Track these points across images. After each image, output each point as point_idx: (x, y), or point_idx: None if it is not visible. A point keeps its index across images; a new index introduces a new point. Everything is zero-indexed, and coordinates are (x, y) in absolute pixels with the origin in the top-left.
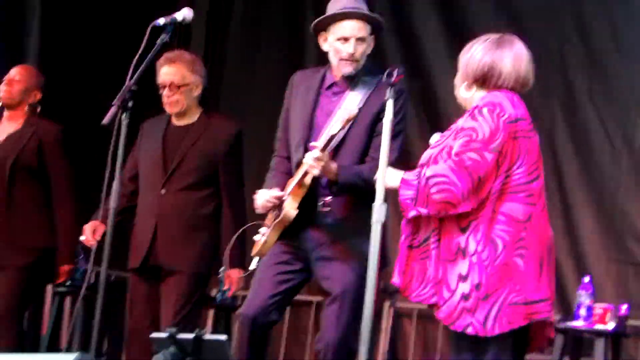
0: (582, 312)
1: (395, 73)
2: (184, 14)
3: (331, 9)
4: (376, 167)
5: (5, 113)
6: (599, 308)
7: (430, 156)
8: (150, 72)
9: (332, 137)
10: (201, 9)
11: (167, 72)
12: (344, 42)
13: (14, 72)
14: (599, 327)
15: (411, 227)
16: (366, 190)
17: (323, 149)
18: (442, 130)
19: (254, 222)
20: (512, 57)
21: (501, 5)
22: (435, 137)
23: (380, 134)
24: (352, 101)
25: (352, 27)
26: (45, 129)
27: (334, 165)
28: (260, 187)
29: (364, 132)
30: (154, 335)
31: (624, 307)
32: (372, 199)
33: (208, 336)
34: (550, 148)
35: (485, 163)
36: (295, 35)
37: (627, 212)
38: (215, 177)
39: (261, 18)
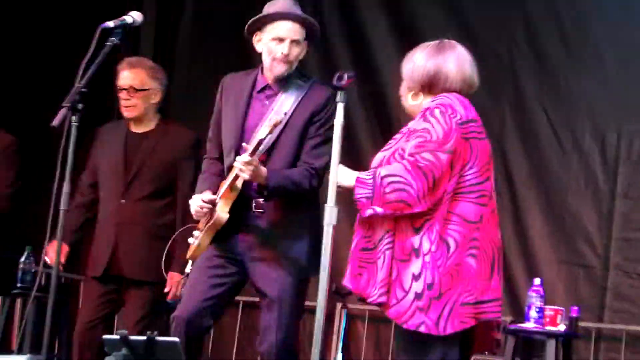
0: (533, 313)
1: (345, 76)
2: (134, 16)
3: (267, 10)
4: (306, 170)
5: None
6: (549, 310)
7: (382, 159)
8: (100, 77)
9: (261, 141)
10: (150, 12)
11: (127, 76)
12: (279, 42)
13: None
14: (550, 328)
15: (364, 230)
16: (297, 194)
17: (252, 154)
18: (392, 133)
19: (189, 225)
20: (456, 59)
21: (450, 10)
22: None
23: (312, 137)
24: (284, 105)
25: (288, 29)
26: None
27: (263, 170)
28: None
29: (296, 136)
30: (106, 336)
31: (575, 309)
32: (305, 203)
33: (160, 338)
34: (501, 151)
35: (440, 163)
36: (244, 37)
37: (577, 215)
38: (174, 185)
39: (210, 20)
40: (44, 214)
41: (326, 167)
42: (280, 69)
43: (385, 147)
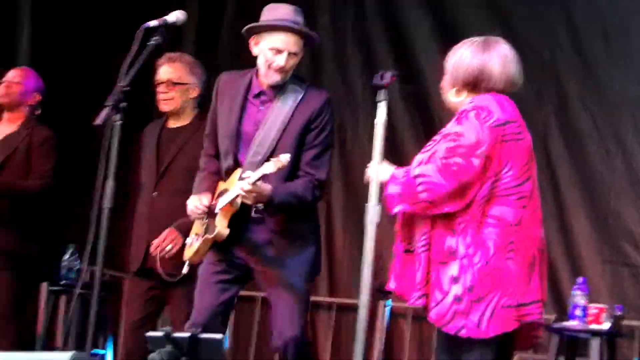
0: (578, 312)
1: (387, 75)
2: (176, 16)
3: (268, 15)
4: (309, 182)
5: (5, 115)
6: (594, 308)
7: (420, 161)
8: (143, 77)
9: (264, 175)
10: (193, 12)
11: (165, 70)
12: (276, 53)
13: (13, 74)
14: (594, 327)
15: (406, 231)
16: (300, 208)
17: (254, 184)
18: (434, 134)
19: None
20: (500, 58)
21: (492, 11)
22: None
23: (312, 147)
24: (280, 112)
25: (287, 42)
26: (38, 133)
27: (266, 188)
28: None
29: (294, 141)
30: (150, 334)
31: (619, 307)
32: (303, 211)
33: (204, 335)
34: (544, 152)
35: (471, 168)
36: None
37: (620, 214)
38: None
39: (252, 20)
40: (86, 212)
41: (326, 179)
42: (275, 78)
43: (424, 149)
